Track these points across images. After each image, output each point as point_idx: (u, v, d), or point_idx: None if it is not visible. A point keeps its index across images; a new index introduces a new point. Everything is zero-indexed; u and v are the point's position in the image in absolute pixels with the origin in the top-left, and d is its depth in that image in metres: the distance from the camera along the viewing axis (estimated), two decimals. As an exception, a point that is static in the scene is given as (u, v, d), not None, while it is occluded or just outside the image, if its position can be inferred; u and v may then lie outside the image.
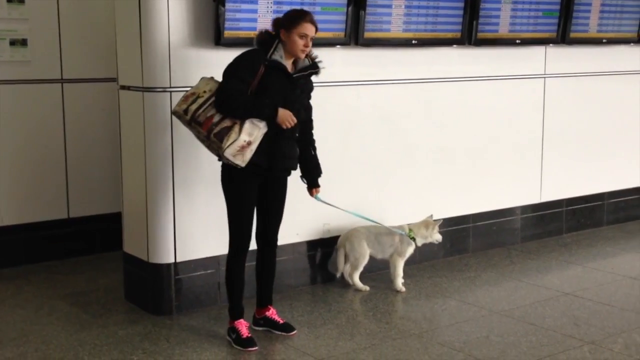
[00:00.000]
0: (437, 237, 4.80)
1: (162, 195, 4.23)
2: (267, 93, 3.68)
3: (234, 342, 3.89)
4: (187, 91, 3.81)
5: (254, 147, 3.65)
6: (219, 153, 3.67)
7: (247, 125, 3.63)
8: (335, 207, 4.27)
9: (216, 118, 3.65)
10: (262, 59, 3.69)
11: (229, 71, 3.70)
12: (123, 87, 4.39)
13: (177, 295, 4.34)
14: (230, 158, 3.62)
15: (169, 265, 4.30)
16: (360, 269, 4.73)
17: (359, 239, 4.69)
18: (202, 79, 3.81)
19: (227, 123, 3.63)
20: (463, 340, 3.98)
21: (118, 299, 4.58)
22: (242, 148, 3.61)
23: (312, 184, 4.04)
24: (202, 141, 3.74)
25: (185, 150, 4.15)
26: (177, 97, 3.93)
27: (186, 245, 4.32)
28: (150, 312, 4.34)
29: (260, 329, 4.08)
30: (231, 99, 3.63)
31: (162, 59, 4.13)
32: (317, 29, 3.76)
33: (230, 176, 3.79)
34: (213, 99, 3.69)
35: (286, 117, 3.68)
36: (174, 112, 3.82)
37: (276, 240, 4.02)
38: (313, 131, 4.01)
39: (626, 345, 3.90)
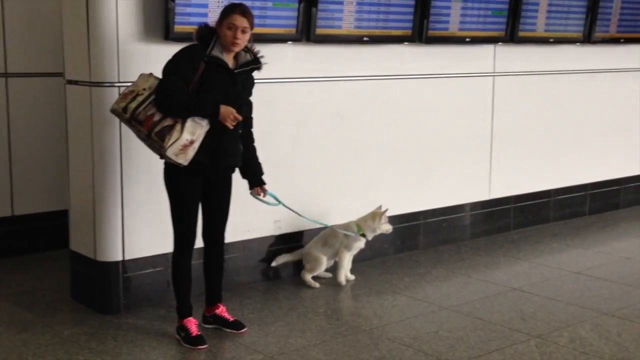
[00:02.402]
0: (386, 228, 4.79)
1: (110, 192, 4.16)
2: (207, 90, 3.63)
3: (183, 340, 3.85)
4: (125, 88, 3.73)
5: (196, 145, 3.59)
6: (160, 152, 3.60)
7: (189, 123, 3.57)
8: (289, 208, 4.24)
9: (157, 117, 3.57)
10: (201, 55, 3.63)
11: (168, 69, 3.63)
12: (70, 82, 4.30)
13: (125, 294, 4.27)
14: (173, 157, 3.56)
15: (116, 263, 4.24)
16: (316, 273, 4.75)
17: (318, 257, 4.72)
18: (141, 75, 3.74)
19: (168, 122, 3.56)
20: (413, 336, 4.00)
21: (64, 298, 4.49)
22: (185, 147, 3.55)
23: (256, 183, 4.00)
24: (143, 140, 3.67)
25: (134, 147, 4.07)
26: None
27: (135, 243, 4.26)
28: (98, 311, 4.27)
29: (210, 326, 4.05)
30: (171, 97, 3.56)
31: (110, 53, 4.06)
32: (251, 22, 3.68)
33: (173, 174, 3.73)
34: (153, 97, 3.61)
35: (228, 114, 3.62)
36: (112, 111, 3.72)
37: (223, 238, 3.98)
38: (253, 129, 3.96)
39: (571, 338, 3.98)
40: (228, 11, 3.68)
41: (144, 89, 3.65)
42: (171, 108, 3.58)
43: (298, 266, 4.87)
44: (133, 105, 3.62)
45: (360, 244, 4.79)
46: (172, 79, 3.60)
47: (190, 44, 3.73)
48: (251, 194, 4.02)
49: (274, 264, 4.78)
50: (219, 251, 4.01)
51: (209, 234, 3.96)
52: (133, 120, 3.63)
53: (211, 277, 4.04)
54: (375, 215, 4.76)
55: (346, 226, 4.77)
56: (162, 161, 3.75)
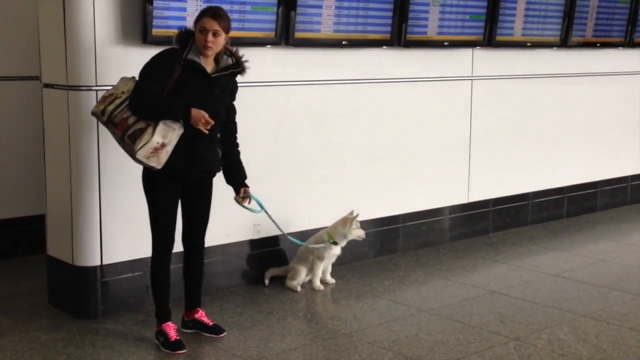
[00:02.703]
0: (357, 234, 4.77)
1: (87, 196, 4.13)
2: (183, 93, 3.62)
3: (162, 345, 3.83)
4: (106, 91, 3.74)
5: (169, 148, 3.59)
6: (132, 155, 3.60)
7: (161, 126, 3.57)
8: (271, 218, 4.20)
9: (131, 120, 3.58)
10: (178, 59, 3.63)
11: (144, 72, 3.65)
12: (47, 85, 4.27)
13: (103, 299, 4.24)
14: (144, 160, 3.57)
15: (94, 268, 4.21)
16: (297, 281, 4.76)
17: (297, 268, 4.76)
18: (122, 78, 3.74)
19: (141, 124, 3.57)
20: (392, 339, 4.01)
21: (42, 304, 4.45)
22: (156, 150, 3.55)
23: (237, 188, 3.97)
24: (118, 142, 3.68)
25: (112, 150, 4.05)
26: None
27: (113, 248, 4.23)
28: (75, 316, 4.23)
29: (189, 331, 4.03)
30: (144, 100, 3.57)
31: (88, 56, 4.04)
32: (224, 25, 3.64)
33: (150, 178, 3.73)
34: None
35: (199, 118, 3.60)
36: (92, 113, 3.75)
37: (203, 243, 3.97)
38: (237, 134, 3.95)
39: (549, 340, 4.00)
40: (200, 14, 3.69)
41: (123, 92, 3.66)
42: (143, 110, 3.59)
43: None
44: (110, 108, 3.63)
45: (335, 251, 4.77)
46: (147, 82, 3.61)
47: (168, 48, 3.73)
48: (235, 199, 3.98)
49: (266, 281, 4.79)
50: (198, 256, 3.99)
51: (189, 238, 3.95)
52: (109, 123, 3.65)
53: (191, 282, 4.02)
54: (346, 220, 4.74)
55: (318, 237, 4.76)
56: (141, 165, 3.73)
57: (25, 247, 5.37)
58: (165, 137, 3.57)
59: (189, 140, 3.65)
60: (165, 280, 3.86)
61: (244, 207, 4.00)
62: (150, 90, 3.59)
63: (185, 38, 3.69)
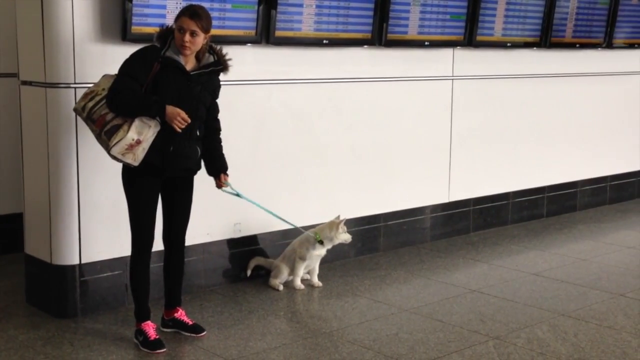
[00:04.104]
0: (344, 237, 4.77)
1: (66, 194, 4.10)
2: (160, 90, 3.61)
3: (142, 344, 3.80)
4: (88, 88, 3.75)
5: (145, 145, 3.58)
6: (107, 151, 3.60)
7: (137, 123, 3.56)
8: (246, 198, 4.18)
9: (109, 116, 3.59)
10: (156, 56, 3.63)
11: (122, 69, 3.65)
12: (24, 83, 4.23)
13: (82, 298, 4.21)
14: (119, 157, 3.57)
15: (73, 266, 4.17)
16: (279, 280, 4.75)
17: (279, 266, 4.74)
18: (104, 76, 3.75)
19: (118, 121, 3.58)
20: (373, 338, 4.01)
21: (19, 303, 4.41)
22: (131, 147, 3.55)
23: (217, 174, 3.94)
24: (96, 139, 3.69)
25: (91, 148, 4.02)
26: (81, 93, 3.83)
27: (92, 246, 4.20)
28: (54, 315, 4.20)
29: (169, 330, 4.01)
30: (119, 96, 3.57)
31: (66, 53, 4.00)
32: (202, 25, 3.61)
33: (129, 175, 3.72)
34: None
35: (175, 115, 3.58)
36: (74, 110, 3.79)
37: (183, 241, 3.96)
38: (221, 131, 3.93)
39: (529, 339, 4.02)
40: (180, 13, 3.68)
41: (103, 89, 3.67)
42: (119, 107, 3.59)
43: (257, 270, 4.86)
44: (90, 104, 3.65)
45: (318, 252, 4.75)
46: (124, 79, 3.61)
47: (147, 45, 3.71)
48: (217, 187, 3.98)
49: (248, 271, 4.78)
50: (179, 254, 3.98)
51: (169, 237, 3.93)
52: (88, 120, 3.66)
53: (170, 281, 4.00)
54: (333, 224, 4.73)
55: (304, 236, 4.75)
56: (121, 163, 3.70)
57: (2, 246, 5.32)
58: (140, 133, 3.56)
59: (167, 137, 3.63)
60: (144, 279, 3.83)
61: (226, 191, 3.98)
62: (126, 87, 3.58)
63: (166, 35, 3.68)
